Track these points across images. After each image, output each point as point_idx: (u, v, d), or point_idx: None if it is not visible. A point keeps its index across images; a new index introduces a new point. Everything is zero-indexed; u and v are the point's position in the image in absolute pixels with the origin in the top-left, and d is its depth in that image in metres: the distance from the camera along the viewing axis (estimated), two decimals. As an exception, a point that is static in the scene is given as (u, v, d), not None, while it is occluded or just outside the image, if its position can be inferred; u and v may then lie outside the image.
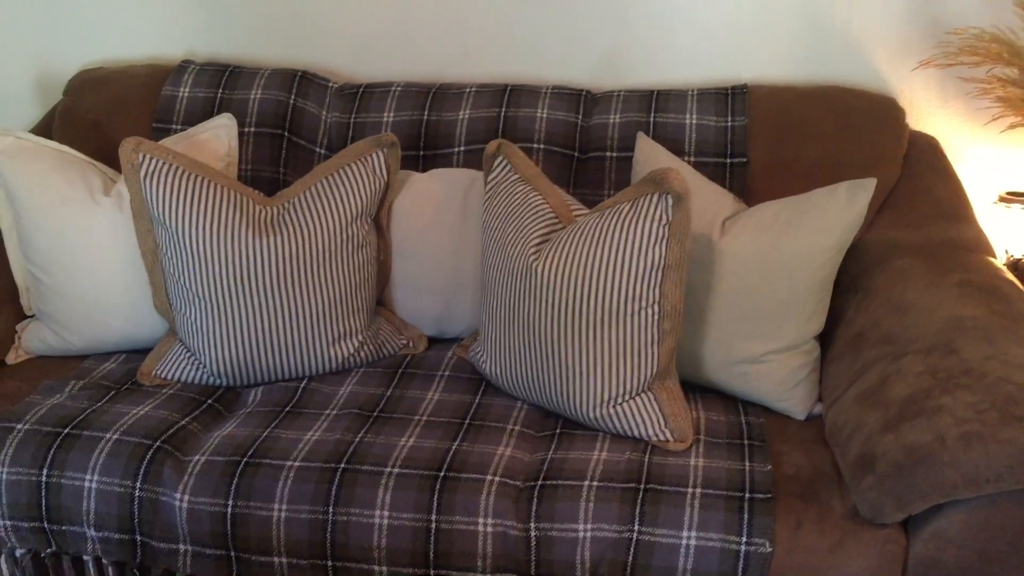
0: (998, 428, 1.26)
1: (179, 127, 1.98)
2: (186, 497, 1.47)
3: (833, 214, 1.58)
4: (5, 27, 2.23)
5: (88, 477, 1.49)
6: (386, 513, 1.42)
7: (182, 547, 1.48)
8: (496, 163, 1.73)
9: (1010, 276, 1.62)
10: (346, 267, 1.72)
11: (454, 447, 1.51)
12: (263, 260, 1.65)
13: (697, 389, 1.69)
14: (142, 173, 1.64)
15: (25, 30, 2.23)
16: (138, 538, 1.49)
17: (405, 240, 1.83)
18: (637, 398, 1.54)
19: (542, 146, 1.92)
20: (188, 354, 1.72)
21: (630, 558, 1.37)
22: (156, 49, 2.20)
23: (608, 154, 1.91)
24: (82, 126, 2.02)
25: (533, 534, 1.40)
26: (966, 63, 1.71)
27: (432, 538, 1.41)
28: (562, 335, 1.53)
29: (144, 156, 1.65)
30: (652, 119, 1.91)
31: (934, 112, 1.96)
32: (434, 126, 1.96)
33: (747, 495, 1.40)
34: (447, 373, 1.75)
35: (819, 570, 1.34)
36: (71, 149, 1.82)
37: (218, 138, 1.87)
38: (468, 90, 2.00)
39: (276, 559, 1.45)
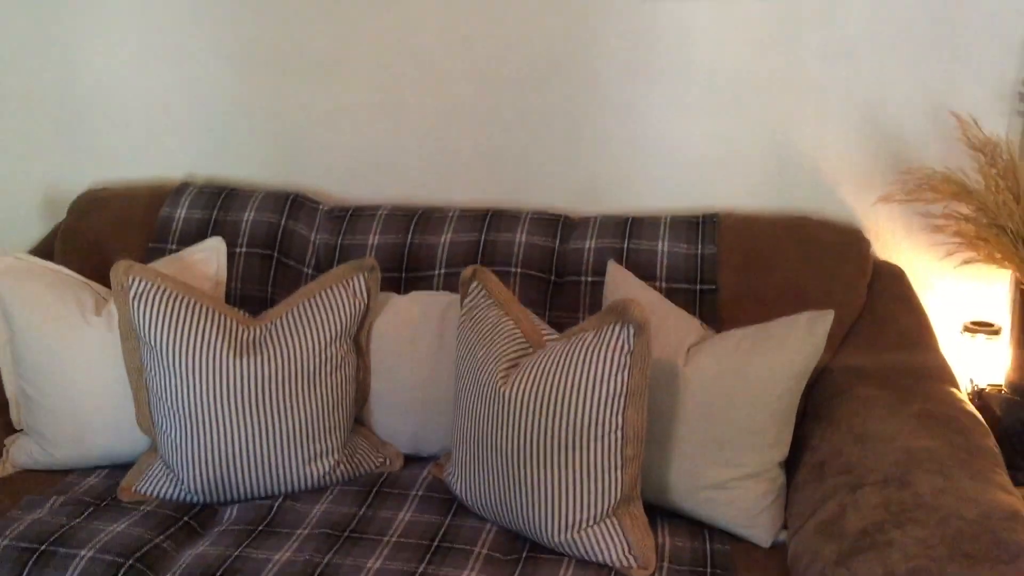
0: (945, 563, 1.28)
1: (174, 247, 2.07)
2: (153, 617, 1.49)
3: (793, 344, 1.63)
4: (16, 148, 2.36)
5: (61, 595, 1.52)
6: (348, 637, 1.44)
7: (147, 667, 1.50)
8: (472, 288, 1.80)
9: (970, 408, 1.65)
10: (325, 387, 1.78)
11: (420, 570, 1.53)
12: (244, 380, 1.71)
13: (664, 514, 1.71)
14: (131, 295, 1.72)
15: (35, 151, 2.36)
16: (105, 657, 1.51)
17: (383, 360, 1.89)
18: (601, 523, 1.56)
19: (519, 270, 1.99)
20: (167, 471, 1.76)
21: None
22: (160, 171, 2.32)
23: (583, 278, 1.98)
24: (82, 245, 2.11)
25: (492, 662, 1.41)
26: (923, 199, 1.78)
27: (392, 664, 1.42)
28: (528, 459, 1.57)
29: (134, 278, 1.73)
30: (626, 245, 1.98)
31: (900, 242, 2.02)
32: (417, 249, 2.04)
33: (704, 626, 1.41)
34: (420, 493, 1.79)
35: None
36: (66, 269, 1.91)
37: (208, 260, 1.96)
38: (451, 214, 2.09)
39: None
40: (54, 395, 1.80)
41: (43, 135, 2.35)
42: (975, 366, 1.91)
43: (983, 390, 1.87)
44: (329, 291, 1.82)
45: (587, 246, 2.01)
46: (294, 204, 2.13)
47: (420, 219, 2.09)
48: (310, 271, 2.08)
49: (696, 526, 1.68)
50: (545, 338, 1.71)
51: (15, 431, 1.92)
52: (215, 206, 2.12)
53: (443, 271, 2.01)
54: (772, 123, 2.05)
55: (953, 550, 1.30)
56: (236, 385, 1.70)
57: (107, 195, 2.20)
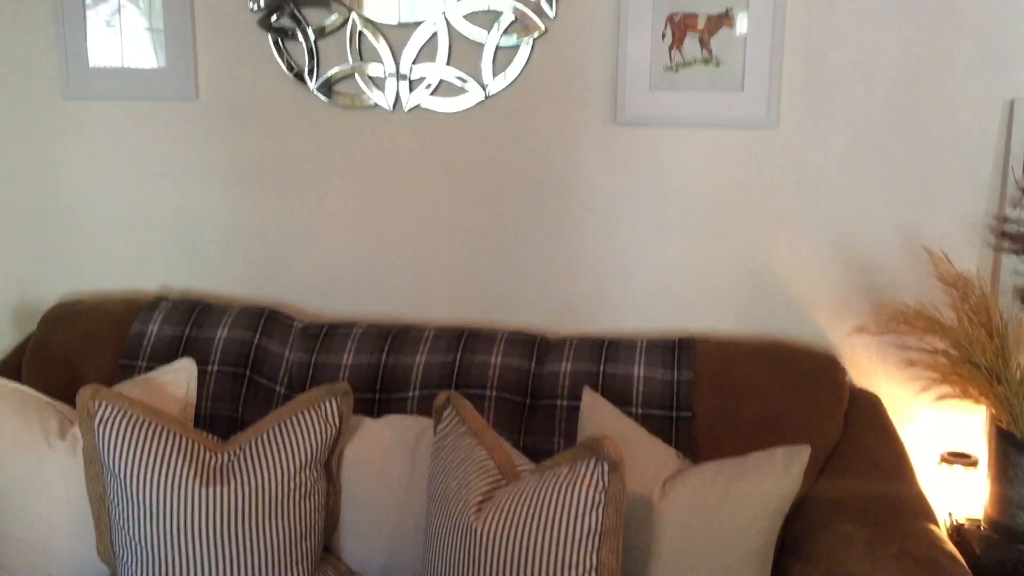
0: None
1: (144, 364, 2.04)
2: None
3: (769, 482, 1.61)
4: (-9, 257, 2.36)
5: None
6: None
7: None
8: (445, 415, 1.78)
9: (950, 547, 1.63)
10: (293, 516, 1.73)
11: None
12: (210, 511, 1.66)
13: (640, 654, 1.66)
14: (96, 420, 1.69)
15: (10, 259, 2.35)
16: None
17: (355, 487, 1.85)
18: (574, 668, 1.51)
19: (494, 393, 1.97)
20: (126, 604, 1.70)
21: None
22: (135, 282, 2.31)
23: (558, 402, 1.96)
24: (51, 361, 2.08)
25: None
26: (898, 331, 1.79)
27: None
28: (499, 600, 1.52)
29: (100, 403, 1.70)
30: (602, 369, 1.97)
31: (875, 370, 2.03)
32: (391, 370, 2.02)
33: None
34: (389, 627, 1.73)
35: None
36: (32, 390, 1.87)
37: (178, 381, 1.93)
38: (427, 333, 2.08)
39: None
40: (12, 522, 1.75)
41: (18, 244, 2.34)
42: (953, 497, 1.89)
43: (962, 526, 1.85)
44: (300, 415, 1.79)
45: (563, 369, 1.99)
46: (268, 320, 2.12)
47: (396, 338, 2.07)
48: (283, 390, 2.05)
49: (672, 669, 1.63)
50: (519, 469, 1.68)
51: (-30, 557, 1.86)
52: (188, 322, 2.10)
53: (418, 393, 1.99)
54: (747, 248, 2.07)
55: None
56: (201, 516, 1.66)
57: (79, 308, 2.18)
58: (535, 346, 2.05)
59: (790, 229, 2.04)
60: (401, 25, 2.09)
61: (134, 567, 1.67)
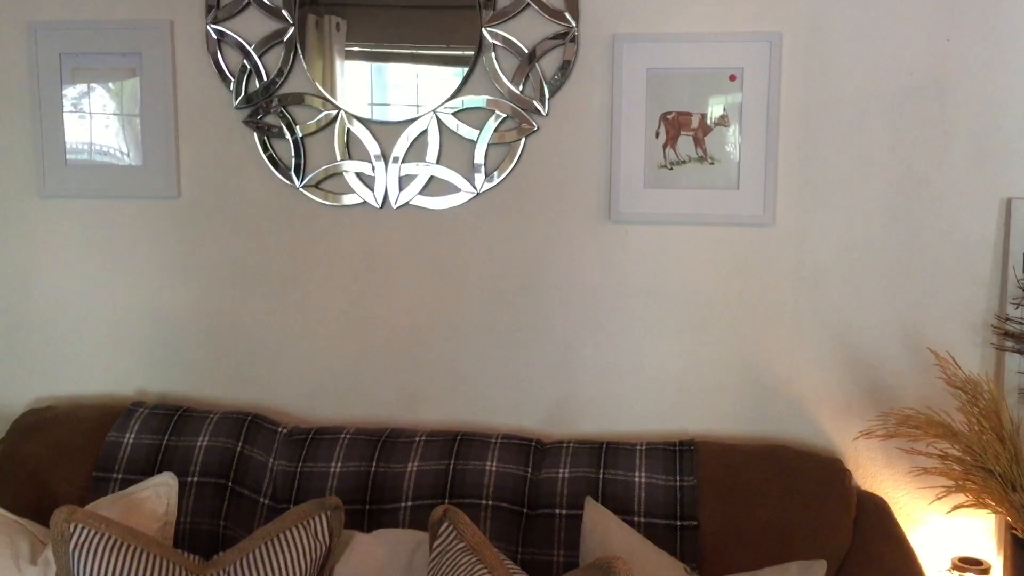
0: None
1: (120, 476, 1.94)
2: None
3: (786, 600, 1.54)
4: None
5: None
6: None
7: None
8: (442, 529, 1.69)
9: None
10: (279, 643, 1.63)
11: None
12: (190, 641, 1.55)
13: None
14: (72, 544, 1.58)
15: (-23, 364, 2.25)
16: None
17: (345, 608, 1.75)
18: None
19: (491, 502, 1.89)
20: None
21: None
22: (109, 386, 2.21)
23: (557, 511, 1.88)
24: (20, 473, 1.96)
25: None
26: (906, 435, 1.75)
27: None
28: None
29: (76, 526, 1.59)
30: (601, 475, 1.90)
31: (880, 472, 1.98)
32: (382, 479, 1.93)
33: None
34: None
35: None
36: (1, 509, 1.76)
37: (157, 497, 1.83)
38: (418, 439, 1.99)
39: None
40: (-25, 657, 1.63)
41: (-13, 348, 2.25)
42: (967, 608, 1.83)
43: (979, 638, 1.78)
44: (288, 533, 1.70)
45: (561, 475, 1.92)
46: (251, 427, 2.03)
47: (385, 443, 1.99)
48: (267, 501, 1.95)
49: None
50: (521, 589, 1.60)
51: None
52: (166, 430, 2.00)
53: (410, 503, 1.90)
54: (745, 347, 2.03)
55: None
56: (182, 647, 1.55)
57: (50, 416, 2.07)
58: (531, 451, 1.98)
59: (790, 327, 2.00)
60: (391, 123, 2.06)
61: None
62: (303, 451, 1.99)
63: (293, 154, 2.09)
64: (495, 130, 2.04)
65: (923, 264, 1.95)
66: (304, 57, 2.05)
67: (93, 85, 2.13)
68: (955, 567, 1.86)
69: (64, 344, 2.21)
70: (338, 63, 2.05)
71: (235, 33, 2.07)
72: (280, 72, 2.07)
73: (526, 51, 2.00)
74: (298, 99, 2.08)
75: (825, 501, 1.84)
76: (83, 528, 1.60)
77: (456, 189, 2.07)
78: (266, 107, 2.08)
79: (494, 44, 2.01)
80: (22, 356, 2.23)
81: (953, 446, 1.70)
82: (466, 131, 2.04)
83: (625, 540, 1.75)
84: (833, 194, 1.96)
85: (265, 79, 2.08)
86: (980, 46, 1.89)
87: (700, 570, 1.77)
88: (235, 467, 1.97)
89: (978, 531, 1.93)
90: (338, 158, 2.08)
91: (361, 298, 2.13)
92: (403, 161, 2.07)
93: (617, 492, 1.88)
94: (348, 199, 2.10)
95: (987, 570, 1.85)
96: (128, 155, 2.14)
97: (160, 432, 2.00)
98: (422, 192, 2.08)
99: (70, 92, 2.13)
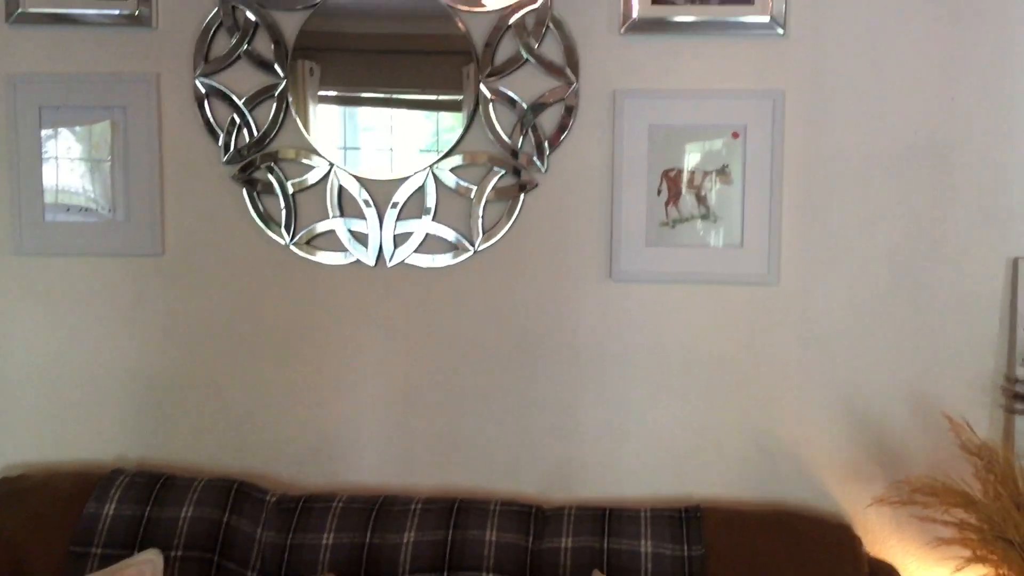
0: None
1: (99, 551, 1.83)
2: None
3: None
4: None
5: None
6: None
7: None
8: (444, 608, 1.62)
9: None
10: None
11: None
12: None
13: None
14: (50, 633, 1.48)
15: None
16: None
17: None
18: None
19: (491, 575, 1.81)
20: None
21: None
22: (86, 451, 2.10)
23: (562, 584, 1.81)
24: (-8, 549, 1.86)
25: None
26: (920, 503, 1.70)
27: None
28: None
29: (55, 613, 1.49)
30: (606, 545, 1.83)
31: (890, 538, 1.93)
32: (377, 551, 1.84)
33: None
34: None
35: None
36: (-27, 592, 1.66)
37: (141, 575, 1.72)
38: (413, 507, 1.91)
39: None
40: None
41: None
42: None
43: None
44: (281, 614, 1.61)
45: (563, 545, 1.84)
46: (238, 495, 1.93)
47: (380, 512, 1.90)
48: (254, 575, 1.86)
49: None
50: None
51: None
52: (148, 500, 1.90)
53: (407, 577, 1.82)
54: (751, 409, 1.98)
55: None
56: None
57: (24, 485, 1.96)
58: (531, 518, 1.90)
59: (796, 389, 1.96)
60: (386, 180, 2.00)
61: None
62: (293, 521, 1.90)
63: (283, 210, 2.02)
64: (493, 186, 1.99)
65: (930, 324, 1.92)
66: (295, 111, 1.99)
67: (74, 139, 2.05)
68: (973, 641, 1.81)
69: (39, 407, 2.11)
70: (328, 116, 1.99)
71: (225, 87, 2.01)
72: (271, 126, 2.00)
73: (525, 106, 1.96)
74: (289, 154, 2.01)
75: (836, 569, 1.79)
76: (63, 615, 1.50)
77: (453, 247, 2.01)
78: (256, 162, 2.02)
79: (492, 99, 1.97)
80: (-5, 420, 2.13)
81: (970, 515, 1.66)
82: (463, 187, 1.99)
83: (635, 617, 1.68)
84: (838, 253, 1.93)
85: (256, 134, 2.01)
86: (984, 106, 1.88)
87: (712, 646, 1.71)
88: (221, 539, 1.87)
89: (992, 599, 1.88)
90: (330, 215, 2.02)
91: (353, 358, 2.05)
92: (398, 218, 2.01)
93: (623, 563, 1.81)
94: (340, 257, 2.03)
95: (1003, 641, 1.80)
96: (110, 211, 2.05)
97: (141, 502, 1.90)
98: (417, 250, 2.01)
99: (50, 146, 2.05)
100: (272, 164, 2.01)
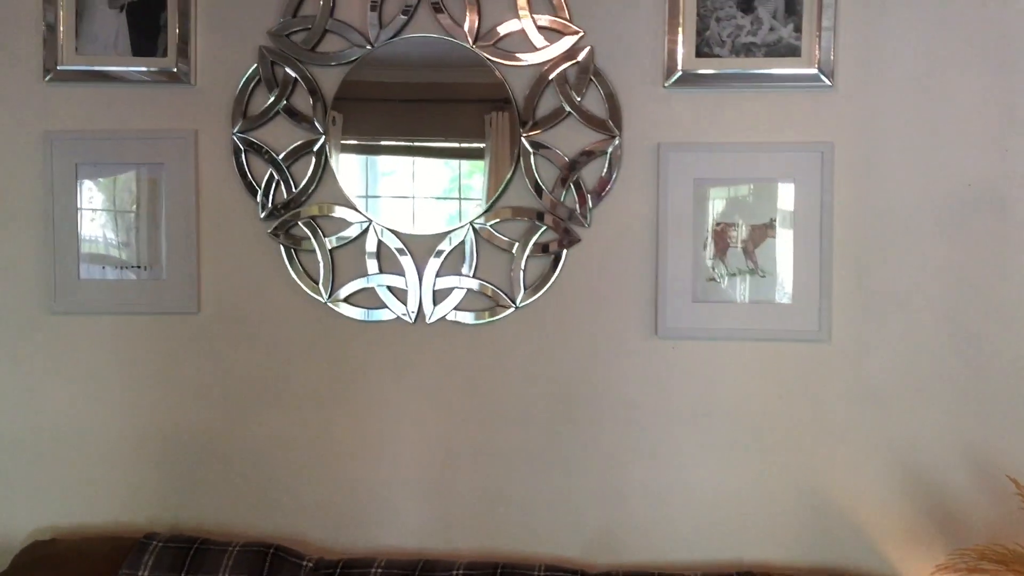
0: None
1: (133, 621, 1.78)
2: None
3: None
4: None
5: None
6: None
7: None
8: None
9: None
10: None
11: None
12: None
13: None
14: None
15: (-22, 489, 2.08)
16: None
17: None
18: None
19: (538, 646, 1.75)
20: None
21: None
22: (118, 513, 2.05)
23: (611, 655, 1.74)
24: (23, 620, 1.81)
25: None
26: (989, 571, 1.63)
27: None
28: None
29: None
30: (656, 613, 1.77)
31: (954, 606, 1.85)
32: (419, 620, 1.79)
33: None
34: None
35: None
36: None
37: (178, 649, 1.67)
38: (454, 572, 1.85)
39: None
40: None
41: (-9, 473, 2.09)
42: None
43: None
44: None
45: (612, 615, 1.78)
46: (274, 561, 1.87)
47: (420, 578, 1.85)
48: (293, 646, 1.80)
49: None
50: None
51: None
52: (183, 567, 1.84)
53: (450, 649, 1.75)
54: (802, 469, 1.91)
55: None
56: None
57: (57, 551, 1.91)
58: (577, 584, 1.84)
59: (849, 450, 1.90)
60: (425, 235, 1.97)
61: None
62: (331, 588, 1.84)
63: (321, 267, 1.99)
64: (535, 241, 1.95)
65: (987, 381, 1.86)
66: (334, 166, 1.96)
67: (109, 196, 2.03)
68: None
69: (70, 468, 2.06)
70: (365, 169, 1.96)
71: (263, 142, 1.98)
72: (309, 182, 1.98)
73: (567, 160, 1.93)
74: (327, 210, 1.98)
75: (900, 643, 1.72)
76: None
77: (493, 303, 1.97)
78: (294, 218, 1.99)
79: (533, 153, 1.93)
80: (25, 480, 2.07)
81: (1042, 586, 1.58)
82: (504, 243, 1.95)
83: None
84: (891, 308, 1.88)
85: (294, 189, 1.99)
86: (1040, 157, 1.83)
87: None
88: (258, 608, 1.82)
89: (1063, 672, 1.80)
90: (369, 271, 1.98)
91: (391, 418, 2.00)
92: (438, 274, 1.97)
93: (674, 633, 1.75)
94: (380, 314, 1.99)
95: None
96: (146, 268, 2.02)
97: (175, 570, 1.84)
98: (457, 307, 1.97)
99: (85, 203, 2.03)
100: (311, 220, 1.98)
